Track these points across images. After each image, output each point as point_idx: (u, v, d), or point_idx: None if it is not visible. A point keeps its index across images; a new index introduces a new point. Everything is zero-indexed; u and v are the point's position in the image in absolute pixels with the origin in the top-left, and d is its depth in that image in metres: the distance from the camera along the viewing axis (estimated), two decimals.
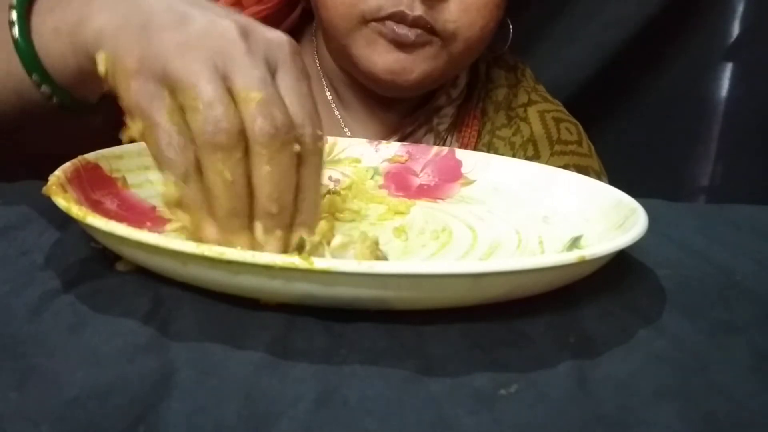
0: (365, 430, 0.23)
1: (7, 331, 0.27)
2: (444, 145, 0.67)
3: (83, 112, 0.44)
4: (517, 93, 0.70)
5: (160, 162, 0.34)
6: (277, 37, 0.36)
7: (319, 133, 0.35)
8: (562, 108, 0.70)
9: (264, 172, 0.33)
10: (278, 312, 0.29)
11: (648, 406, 0.25)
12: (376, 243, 0.34)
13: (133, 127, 0.34)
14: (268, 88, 0.33)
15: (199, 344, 0.27)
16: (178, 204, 0.34)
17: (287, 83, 0.35)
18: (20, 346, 0.26)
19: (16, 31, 0.40)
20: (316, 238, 0.34)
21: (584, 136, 0.69)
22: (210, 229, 0.34)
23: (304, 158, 0.34)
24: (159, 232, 0.37)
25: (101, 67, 0.36)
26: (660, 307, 0.33)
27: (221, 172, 0.32)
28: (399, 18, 0.56)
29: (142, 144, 0.45)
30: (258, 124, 0.32)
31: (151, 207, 0.41)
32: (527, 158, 0.65)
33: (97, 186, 0.39)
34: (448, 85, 0.68)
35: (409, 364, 0.26)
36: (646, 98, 0.94)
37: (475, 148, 0.67)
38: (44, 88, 0.41)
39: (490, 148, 0.67)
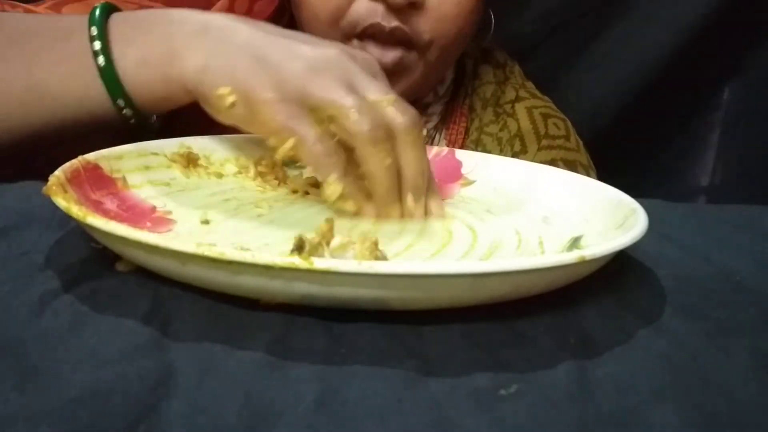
0: (365, 430, 0.23)
1: (7, 331, 0.27)
2: (432, 142, 0.67)
3: (146, 125, 0.49)
4: (505, 90, 0.70)
5: (319, 167, 0.41)
6: (366, 55, 0.45)
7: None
8: (551, 104, 0.71)
9: (411, 155, 0.41)
10: (278, 312, 0.29)
11: (648, 406, 0.25)
12: (376, 243, 0.34)
13: (284, 147, 0.40)
14: (392, 93, 0.42)
15: (199, 344, 0.27)
16: (342, 197, 0.41)
17: (388, 87, 0.43)
18: (20, 346, 0.26)
19: (101, 59, 0.45)
20: (316, 238, 0.34)
21: (572, 131, 0.69)
22: (369, 207, 0.42)
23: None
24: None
25: (228, 101, 0.42)
26: (660, 307, 0.33)
27: (382, 159, 0.40)
28: (377, 30, 0.56)
29: (142, 144, 0.46)
30: (400, 119, 0.40)
31: (151, 207, 0.41)
32: (514, 153, 0.65)
33: (97, 186, 0.39)
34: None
35: (409, 364, 0.26)
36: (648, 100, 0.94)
37: (462, 145, 0.67)
38: (126, 111, 0.46)
39: (478, 145, 0.67)
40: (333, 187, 0.40)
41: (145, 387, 0.24)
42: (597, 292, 0.33)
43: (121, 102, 0.46)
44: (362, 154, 0.40)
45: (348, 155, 0.41)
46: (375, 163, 0.40)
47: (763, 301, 0.34)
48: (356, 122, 0.39)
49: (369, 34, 0.57)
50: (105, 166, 0.41)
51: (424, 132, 0.44)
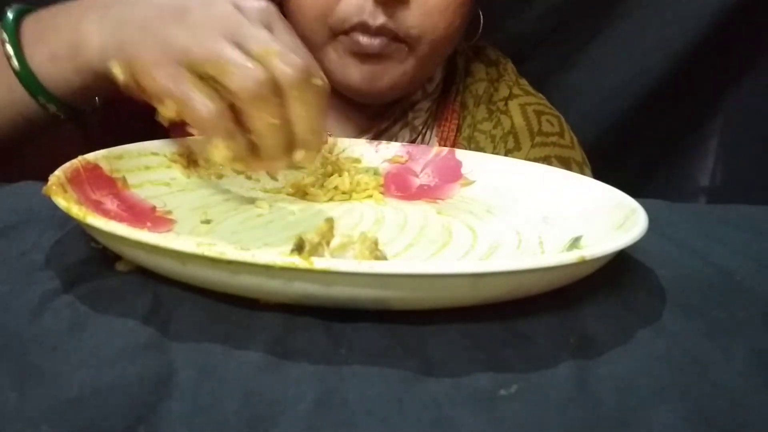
0: (365, 430, 0.23)
1: (7, 331, 0.27)
2: (423, 139, 0.67)
3: (83, 118, 0.50)
4: (498, 87, 0.70)
5: (205, 129, 0.39)
6: (261, 4, 0.43)
7: (317, 66, 0.41)
8: (544, 101, 0.70)
9: (299, 109, 0.39)
10: (278, 312, 0.29)
11: (648, 406, 0.25)
12: (376, 243, 0.34)
13: (166, 110, 0.40)
14: (278, 43, 0.39)
15: (199, 344, 0.27)
16: (233, 160, 0.40)
17: (284, 38, 0.41)
18: (20, 346, 0.26)
19: (15, 63, 0.46)
20: (316, 238, 0.34)
21: (566, 128, 0.69)
22: (257, 164, 0.41)
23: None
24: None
25: (120, 76, 0.41)
26: (660, 307, 0.33)
27: (266, 118, 0.38)
28: (363, 28, 0.56)
29: (142, 144, 0.46)
30: (285, 71, 0.38)
31: (151, 207, 0.41)
32: (507, 150, 0.65)
33: (97, 186, 0.39)
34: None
35: (409, 364, 0.26)
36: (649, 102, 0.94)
37: (454, 143, 0.67)
38: (50, 106, 0.47)
39: (471, 142, 0.67)
40: (219, 151, 0.39)
41: (145, 387, 0.24)
42: (597, 292, 0.33)
43: (42, 99, 0.47)
44: (246, 112, 0.39)
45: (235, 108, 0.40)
46: (259, 122, 0.39)
47: (763, 301, 0.34)
48: (237, 79, 0.38)
49: (356, 32, 0.57)
50: (105, 166, 0.41)
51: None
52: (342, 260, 0.29)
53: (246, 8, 0.41)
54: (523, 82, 0.72)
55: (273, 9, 0.43)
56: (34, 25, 0.47)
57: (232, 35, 0.39)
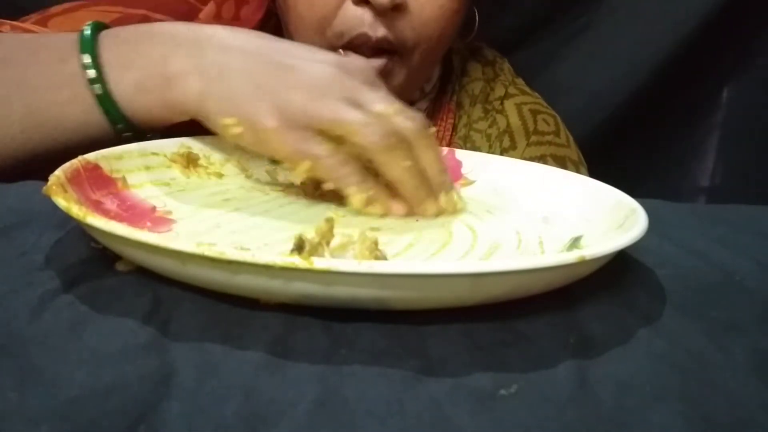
0: (365, 430, 0.23)
1: (7, 331, 0.27)
2: None
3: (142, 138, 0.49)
4: (494, 87, 0.70)
5: (340, 182, 0.42)
6: (359, 64, 0.46)
7: (425, 121, 0.44)
8: (540, 100, 0.70)
9: (429, 156, 0.43)
10: (278, 312, 0.29)
11: (648, 406, 0.25)
12: (376, 243, 0.34)
13: (299, 170, 0.41)
14: (392, 102, 0.42)
15: (199, 344, 0.27)
16: (368, 203, 0.42)
17: (388, 95, 0.43)
18: (20, 346, 0.26)
19: (98, 87, 0.45)
20: (316, 238, 0.34)
21: (562, 127, 0.69)
22: (398, 206, 0.43)
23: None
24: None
25: (234, 131, 0.42)
26: (660, 307, 0.33)
27: (400, 162, 0.41)
28: (363, 41, 0.56)
29: (143, 144, 0.46)
30: (409, 126, 0.41)
31: (151, 207, 0.41)
32: (503, 149, 0.65)
33: (97, 186, 0.39)
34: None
35: (409, 364, 0.26)
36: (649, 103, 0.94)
37: (450, 142, 0.67)
38: (127, 134, 0.47)
39: (467, 141, 0.67)
40: (356, 196, 0.42)
41: (145, 387, 0.24)
42: (597, 292, 0.33)
43: (121, 126, 0.46)
44: (380, 163, 0.41)
45: (368, 167, 0.42)
46: (395, 168, 0.41)
47: (763, 301, 0.34)
48: (366, 135, 0.40)
49: (355, 45, 0.57)
50: (105, 166, 0.41)
51: (432, 130, 0.44)
52: (342, 260, 0.29)
53: (349, 70, 0.43)
54: (520, 81, 0.72)
55: (371, 70, 0.45)
56: (114, 47, 0.46)
57: (347, 97, 0.41)
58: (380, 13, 0.55)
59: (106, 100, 0.45)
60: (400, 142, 0.41)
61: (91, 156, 0.40)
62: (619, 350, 0.28)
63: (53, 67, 0.46)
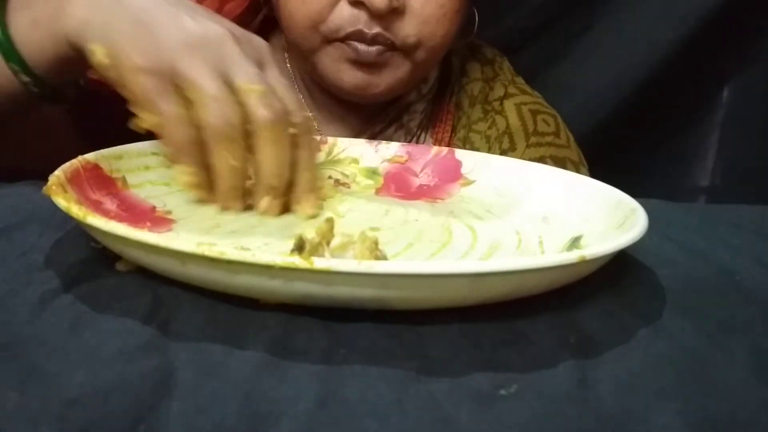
0: (365, 430, 0.23)
1: (7, 331, 0.27)
2: (417, 141, 0.67)
3: (58, 102, 0.48)
4: (493, 86, 0.69)
5: (176, 152, 0.40)
6: (258, 40, 0.43)
7: (308, 116, 0.42)
8: (541, 100, 0.70)
9: (268, 152, 0.40)
10: (278, 312, 0.29)
11: (648, 406, 0.25)
12: (376, 243, 0.34)
13: (145, 118, 0.39)
14: (264, 82, 0.40)
15: (199, 344, 0.27)
16: (191, 186, 0.41)
17: (274, 78, 0.42)
18: (20, 346, 0.26)
19: None
20: (317, 238, 0.34)
21: (563, 127, 0.68)
22: (212, 199, 0.41)
23: (298, 139, 0.41)
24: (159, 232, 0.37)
25: (100, 59, 0.40)
26: (660, 307, 0.33)
27: (227, 158, 0.39)
28: (358, 37, 0.56)
29: (143, 144, 0.46)
30: (261, 112, 0.39)
31: (151, 207, 0.41)
32: (503, 151, 0.64)
33: (97, 186, 0.39)
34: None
35: (409, 364, 0.26)
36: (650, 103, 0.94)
37: (449, 143, 0.67)
38: (23, 77, 0.46)
39: (466, 143, 0.66)
40: (185, 177, 0.40)
41: (145, 387, 0.24)
42: (597, 292, 0.33)
43: (15, 66, 0.45)
44: (210, 147, 0.39)
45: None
46: (219, 160, 0.40)
47: (763, 301, 0.34)
48: (209, 112, 0.38)
49: (352, 39, 0.56)
50: (105, 166, 0.41)
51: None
52: (342, 260, 0.29)
53: (242, 40, 0.41)
54: (519, 80, 0.71)
55: (268, 48, 0.43)
56: None
57: (221, 63, 0.39)
58: (376, 16, 0.55)
59: (3, 39, 0.45)
60: (238, 134, 0.39)
61: (91, 156, 0.40)
62: (619, 350, 0.28)
63: None
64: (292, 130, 0.40)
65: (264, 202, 0.41)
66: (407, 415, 0.24)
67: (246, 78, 0.39)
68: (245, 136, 0.39)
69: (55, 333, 0.27)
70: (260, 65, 0.41)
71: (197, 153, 0.40)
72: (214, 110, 0.38)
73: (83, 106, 0.53)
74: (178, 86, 0.39)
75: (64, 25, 0.43)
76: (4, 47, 0.45)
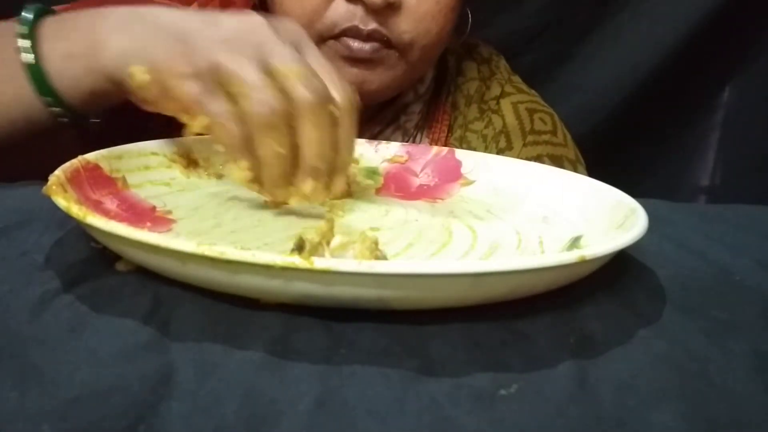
0: (365, 430, 0.23)
1: (7, 331, 0.27)
2: (413, 141, 0.66)
3: (84, 126, 0.49)
4: (490, 85, 0.69)
5: (232, 149, 0.40)
6: (292, 24, 0.43)
7: (349, 92, 0.41)
8: (537, 98, 0.69)
9: (311, 134, 0.39)
10: (278, 312, 0.29)
11: (648, 406, 0.25)
12: (376, 243, 0.34)
13: (196, 123, 0.40)
14: (303, 63, 0.40)
15: (199, 344, 0.27)
16: (251, 181, 0.41)
17: (313, 58, 0.41)
18: (20, 346, 0.26)
19: (29, 57, 0.44)
20: (317, 238, 0.34)
21: (560, 125, 0.68)
22: (262, 190, 0.41)
23: (340, 119, 0.41)
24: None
25: (140, 78, 0.41)
26: (660, 307, 0.33)
27: (272, 145, 0.39)
28: (353, 33, 0.56)
29: (142, 144, 0.46)
30: (302, 93, 0.38)
31: (151, 207, 0.41)
32: (499, 150, 0.64)
33: (97, 186, 0.39)
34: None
35: (409, 364, 0.26)
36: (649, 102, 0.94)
37: (446, 143, 0.67)
38: (56, 109, 0.46)
39: (462, 142, 0.66)
40: (241, 172, 0.40)
41: (145, 387, 0.24)
42: (597, 292, 0.33)
43: (49, 99, 0.45)
44: (256, 138, 0.39)
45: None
46: (265, 148, 0.39)
47: (763, 301, 0.34)
48: (253, 102, 0.38)
49: (347, 36, 0.56)
50: (105, 166, 0.41)
51: (342, 111, 0.41)
52: (342, 260, 0.29)
53: (277, 26, 0.41)
54: (516, 79, 0.71)
55: (303, 31, 0.43)
56: (55, 24, 0.46)
57: (259, 51, 0.39)
58: (372, 11, 0.55)
59: (35, 70, 0.45)
60: (283, 123, 0.39)
61: (91, 156, 0.40)
62: (619, 350, 0.28)
63: None
64: (333, 110, 0.40)
65: (307, 184, 0.41)
66: (407, 415, 0.24)
67: (283, 60, 0.39)
68: (289, 120, 0.39)
69: (55, 333, 0.27)
70: (298, 47, 0.41)
71: (251, 147, 0.40)
72: (256, 99, 0.38)
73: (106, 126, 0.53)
74: (222, 84, 0.39)
75: (101, 59, 0.43)
76: (40, 81, 0.45)
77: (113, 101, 0.46)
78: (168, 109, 0.42)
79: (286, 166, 0.40)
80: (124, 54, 0.42)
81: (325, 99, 0.40)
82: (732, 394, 0.26)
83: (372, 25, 0.55)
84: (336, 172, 0.42)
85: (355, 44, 0.56)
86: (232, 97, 0.39)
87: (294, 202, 0.41)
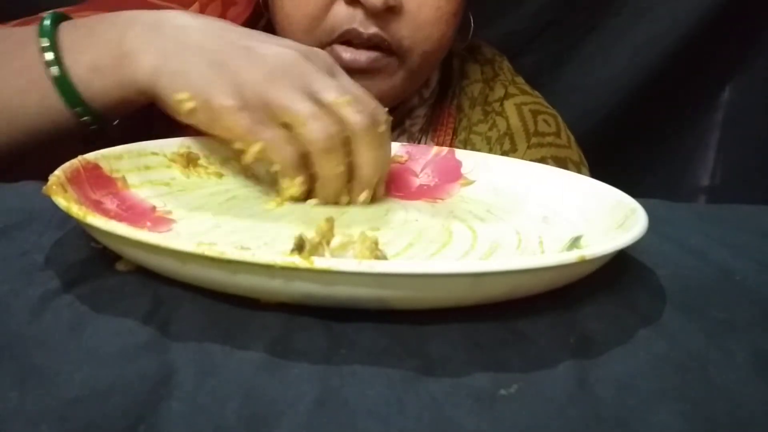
0: (365, 430, 0.23)
1: (7, 331, 0.27)
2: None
3: (108, 130, 0.49)
4: (493, 87, 0.69)
5: (288, 170, 0.42)
6: (320, 52, 0.46)
7: (387, 113, 0.44)
8: (541, 100, 0.69)
9: (368, 155, 0.43)
10: (278, 312, 0.29)
11: (648, 406, 0.25)
12: (376, 243, 0.34)
13: (251, 150, 0.42)
14: (347, 92, 0.42)
15: (199, 344, 0.27)
16: (302, 194, 0.43)
17: (349, 84, 0.44)
18: (20, 346, 0.26)
19: (55, 70, 0.45)
20: (317, 237, 0.34)
21: (563, 127, 0.68)
22: (315, 200, 0.44)
23: (384, 136, 0.44)
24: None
25: (189, 106, 0.42)
26: (660, 307, 0.33)
27: (334, 167, 0.42)
28: (354, 36, 0.55)
29: (142, 144, 0.46)
30: (357, 120, 0.41)
31: (151, 207, 0.41)
32: (503, 152, 0.64)
33: (97, 186, 0.39)
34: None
35: (409, 364, 0.26)
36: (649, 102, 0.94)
37: (451, 146, 0.66)
38: (86, 118, 0.46)
39: (467, 145, 0.66)
40: (296, 189, 0.43)
41: (145, 387, 0.24)
42: (597, 292, 0.33)
43: (80, 110, 0.46)
44: (316, 160, 0.42)
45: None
46: (327, 169, 0.42)
47: (763, 301, 0.34)
48: (311, 130, 0.41)
49: (346, 41, 0.56)
50: (105, 166, 0.41)
51: (385, 128, 0.44)
52: (342, 260, 0.29)
53: (311, 56, 0.43)
54: (519, 80, 0.71)
55: (329, 56, 0.46)
56: (73, 32, 0.46)
57: (303, 84, 0.41)
58: (372, 14, 0.55)
59: (63, 82, 0.45)
60: (341, 142, 0.42)
61: (91, 156, 0.40)
62: (619, 350, 0.28)
63: (13, 57, 0.46)
64: (382, 129, 0.43)
65: (363, 196, 0.44)
66: (407, 415, 0.24)
67: (331, 92, 0.42)
68: (344, 143, 0.42)
69: (55, 333, 0.27)
70: (331, 74, 0.44)
71: (304, 165, 0.42)
72: (315, 128, 0.41)
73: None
74: (271, 114, 0.41)
75: (134, 75, 0.44)
76: (68, 93, 0.45)
77: (142, 105, 0.47)
78: (217, 134, 0.43)
79: (344, 182, 0.44)
80: (158, 71, 0.43)
81: (375, 120, 0.43)
82: (732, 394, 0.26)
83: (372, 29, 0.55)
84: (380, 181, 0.46)
85: (347, 55, 0.56)
86: (283, 124, 0.41)
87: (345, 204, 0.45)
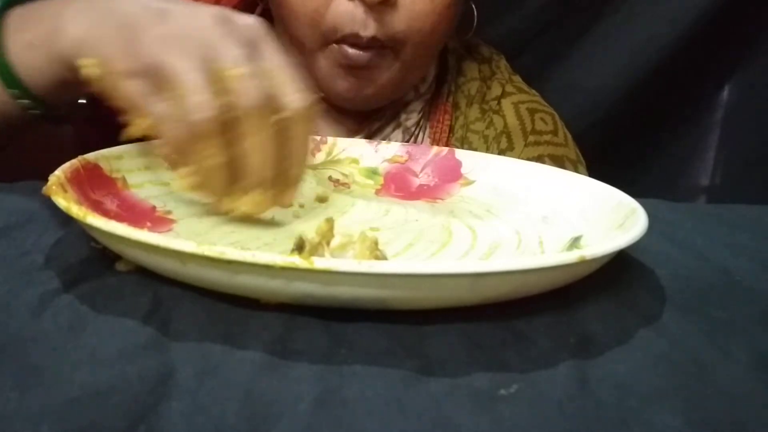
0: (365, 430, 0.23)
1: (7, 331, 0.27)
2: (415, 140, 0.67)
3: (59, 122, 0.47)
4: (491, 86, 0.69)
5: (175, 151, 0.37)
6: (251, 20, 0.40)
7: (304, 98, 0.38)
8: (538, 98, 0.69)
9: (252, 141, 0.37)
10: (278, 312, 0.29)
11: (648, 406, 0.25)
12: (376, 243, 0.34)
13: (137, 125, 0.38)
14: (248, 64, 0.37)
15: (199, 344, 0.27)
16: (199, 187, 0.38)
17: (269, 58, 0.38)
18: (20, 346, 0.26)
19: None
20: (317, 238, 0.34)
21: (560, 125, 0.68)
22: (224, 201, 0.39)
23: (291, 126, 0.38)
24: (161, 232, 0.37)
25: (91, 71, 0.38)
26: (660, 307, 0.33)
27: (206, 156, 0.37)
28: (354, 39, 0.56)
29: (143, 144, 0.46)
30: (244, 96, 0.36)
31: (151, 207, 0.41)
32: (501, 151, 0.64)
33: (97, 186, 0.39)
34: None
35: (409, 364, 0.26)
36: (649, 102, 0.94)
37: (447, 144, 0.67)
38: (24, 101, 0.44)
39: (464, 143, 0.66)
40: (185, 179, 0.38)
41: (145, 387, 0.24)
42: (597, 292, 0.33)
43: (16, 92, 0.44)
44: (194, 145, 0.37)
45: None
46: (202, 158, 0.37)
47: (763, 301, 0.34)
48: (190, 108, 0.36)
49: (348, 42, 0.57)
50: (105, 166, 0.41)
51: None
52: (342, 260, 0.29)
53: (230, 22, 0.39)
54: (517, 78, 0.71)
55: (262, 27, 0.40)
56: (19, 15, 0.45)
57: (204, 51, 0.37)
58: (371, 8, 0.55)
59: (1, 64, 0.43)
60: (216, 129, 0.36)
61: (91, 156, 0.40)
62: (619, 350, 0.28)
63: None
64: (279, 117, 0.37)
65: (248, 196, 0.38)
66: (407, 415, 0.24)
67: (227, 61, 0.36)
68: (232, 126, 0.36)
69: (55, 333, 0.27)
70: (252, 45, 0.38)
71: (194, 154, 0.37)
72: (192, 102, 0.35)
73: (94, 118, 0.51)
74: (164, 85, 0.37)
75: (59, 46, 0.41)
76: (5, 74, 0.43)
77: (77, 89, 0.44)
78: (117, 105, 0.39)
79: (227, 175, 0.38)
80: (79, 41, 0.40)
81: (269, 104, 0.37)
82: (732, 394, 0.26)
83: (371, 30, 0.56)
84: (287, 184, 0.39)
85: (353, 51, 0.57)
86: (174, 99, 0.37)
87: (240, 213, 0.39)
